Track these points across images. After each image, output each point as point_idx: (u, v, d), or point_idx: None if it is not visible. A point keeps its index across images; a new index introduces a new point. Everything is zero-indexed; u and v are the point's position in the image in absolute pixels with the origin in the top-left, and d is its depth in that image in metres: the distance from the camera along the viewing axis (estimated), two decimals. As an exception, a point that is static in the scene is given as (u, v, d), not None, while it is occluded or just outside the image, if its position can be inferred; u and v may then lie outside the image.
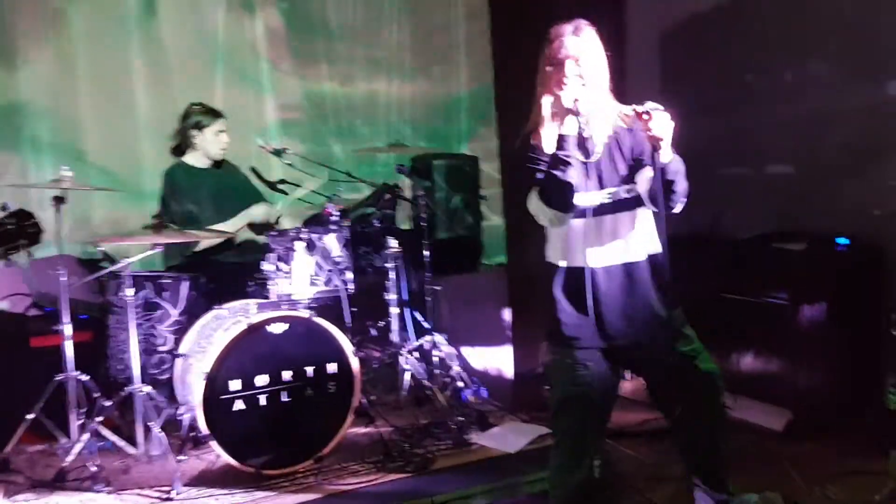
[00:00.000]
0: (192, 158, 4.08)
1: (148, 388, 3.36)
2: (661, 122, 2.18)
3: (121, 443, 3.42)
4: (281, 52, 5.17)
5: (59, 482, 3.21)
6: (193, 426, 3.25)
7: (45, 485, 3.22)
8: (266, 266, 3.54)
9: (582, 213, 2.38)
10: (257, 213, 4.10)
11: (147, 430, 3.37)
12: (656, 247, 2.47)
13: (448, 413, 3.77)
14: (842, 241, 3.75)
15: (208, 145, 4.05)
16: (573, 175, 2.26)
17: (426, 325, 4.33)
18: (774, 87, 4.34)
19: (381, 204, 4.36)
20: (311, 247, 3.61)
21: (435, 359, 4.18)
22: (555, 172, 2.23)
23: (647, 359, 2.51)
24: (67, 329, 3.34)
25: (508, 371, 4.44)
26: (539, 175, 2.29)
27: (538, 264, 4.95)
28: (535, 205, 2.33)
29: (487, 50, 5.19)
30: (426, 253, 4.29)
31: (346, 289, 3.66)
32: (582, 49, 2.31)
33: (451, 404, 3.90)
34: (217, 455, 3.23)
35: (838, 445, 3.46)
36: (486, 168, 5.25)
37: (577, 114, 2.26)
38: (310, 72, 5.25)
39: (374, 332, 4.52)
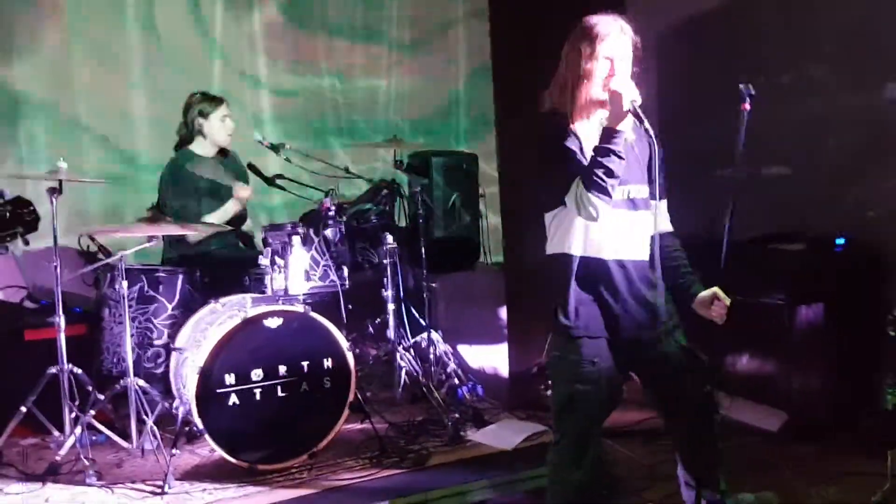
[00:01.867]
0: (199, 148, 4.07)
1: (142, 382, 3.35)
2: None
3: (114, 436, 3.40)
4: (279, 47, 5.16)
5: (51, 475, 3.20)
6: (187, 420, 3.24)
7: (37, 478, 3.21)
8: (262, 261, 3.52)
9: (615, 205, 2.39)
10: (239, 194, 4.05)
11: (140, 423, 3.35)
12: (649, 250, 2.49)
13: (444, 410, 3.76)
14: (840, 241, 3.75)
15: (215, 132, 4.04)
16: (619, 168, 2.28)
17: (422, 322, 4.32)
18: (772, 88, 4.34)
19: (379, 200, 4.35)
20: (307, 242, 3.59)
21: (431, 356, 4.17)
22: (605, 163, 2.25)
23: (653, 356, 2.49)
24: (62, 322, 3.32)
25: (504, 369, 4.42)
26: (583, 163, 2.31)
27: (535, 262, 4.94)
28: (575, 194, 2.31)
29: (487, 49, 5.17)
30: (423, 250, 4.27)
31: (343, 285, 3.65)
32: (628, 48, 2.39)
33: (446, 402, 3.89)
34: (211, 449, 3.22)
35: (834, 446, 3.45)
36: (484, 166, 5.24)
37: (634, 114, 2.30)
38: (308, 67, 5.24)
39: (370, 328, 4.51)
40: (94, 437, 3.39)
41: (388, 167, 4.67)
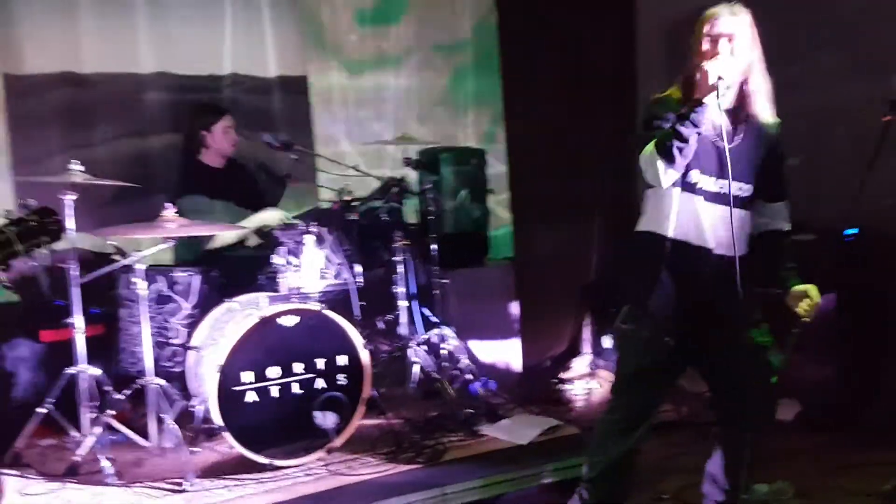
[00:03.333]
0: (207, 158, 4.10)
1: (160, 381, 3.38)
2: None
3: (133, 436, 3.43)
4: (288, 42, 5.16)
5: (71, 476, 3.22)
6: (206, 418, 3.27)
7: (57, 478, 3.23)
8: (276, 259, 3.55)
9: (696, 191, 2.40)
10: (268, 217, 4.09)
11: (160, 422, 3.38)
12: (743, 248, 2.48)
13: (457, 406, 3.78)
14: (849, 231, 3.76)
15: (219, 143, 4.08)
16: (694, 140, 2.29)
17: (434, 318, 4.34)
18: (781, 77, 4.34)
19: (389, 198, 4.37)
20: (320, 240, 3.62)
21: (443, 352, 4.19)
22: (678, 127, 2.27)
23: (719, 353, 2.49)
24: (79, 322, 3.35)
25: (517, 363, 4.45)
26: (663, 125, 2.34)
27: (546, 257, 4.96)
28: (647, 154, 2.34)
29: (496, 45, 5.18)
30: (434, 246, 4.29)
31: (356, 282, 3.67)
32: (735, 27, 2.37)
33: (459, 397, 3.91)
34: (230, 447, 3.25)
35: (847, 435, 3.47)
36: (493, 161, 5.25)
37: (716, 89, 2.28)
38: (317, 65, 5.25)
39: (381, 325, 4.54)
40: (112, 437, 3.41)
41: (397, 164, 4.68)
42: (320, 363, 3.37)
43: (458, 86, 5.66)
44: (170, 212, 3.34)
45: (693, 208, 2.40)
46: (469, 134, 5.69)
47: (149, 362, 3.35)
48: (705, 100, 2.28)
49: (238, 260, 3.99)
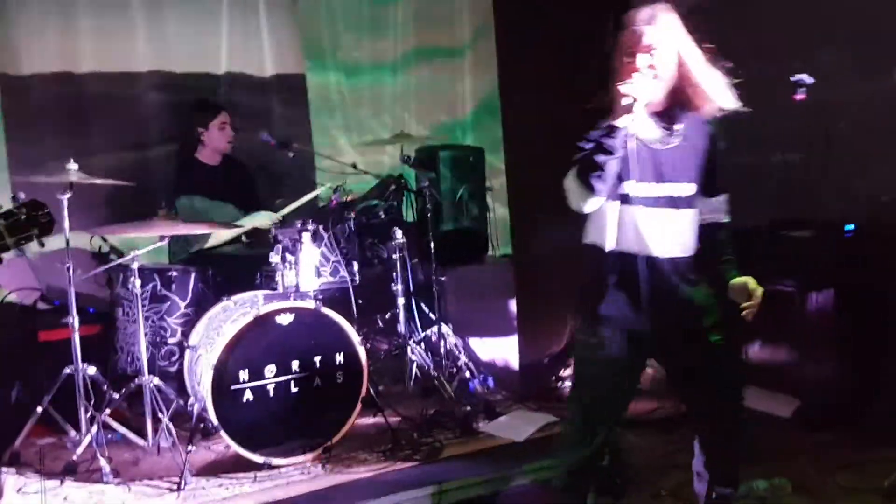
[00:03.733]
0: (203, 156, 4.11)
1: (156, 380, 3.38)
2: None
3: (130, 435, 3.43)
4: (285, 41, 5.16)
5: (68, 474, 3.23)
6: (202, 417, 3.27)
7: (55, 477, 3.24)
8: (273, 258, 3.54)
9: (633, 201, 2.35)
10: (260, 221, 4.08)
11: (156, 421, 3.38)
12: (691, 247, 2.45)
13: (455, 403, 3.78)
14: (849, 227, 3.74)
15: (215, 140, 4.08)
16: (612, 164, 2.25)
17: (432, 316, 4.34)
18: (781, 73, 4.33)
19: (387, 196, 4.36)
20: (316, 238, 3.61)
21: (441, 349, 4.19)
22: (595, 157, 2.23)
23: (681, 351, 2.47)
24: (76, 322, 3.35)
25: (514, 361, 4.44)
26: (583, 153, 2.29)
27: (544, 255, 4.94)
28: (569, 180, 2.32)
29: (492, 43, 5.17)
30: (431, 244, 4.29)
31: (353, 280, 3.67)
32: (656, 38, 2.28)
33: (457, 394, 3.91)
34: (226, 445, 3.25)
35: (846, 432, 3.45)
36: (491, 159, 5.24)
37: (630, 111, 2.23)
38: (315, 63, 5.24)
39: (380, 323, 4.53)
40: (110, 436, 3.42)
41: (395, 162, 4.67)
42: (317, 361, 3.36)
43: (456, 84, 5.66)
44: (164, 211, 3.34)
45: (632, 219, 2.35)
46: (467, 132, 5.70)
47: (145, 362, 3.35)
48: (620, 123, 2.23)
49: (234, 258, 3.99)
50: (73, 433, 3.46)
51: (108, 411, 3.34)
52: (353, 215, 4.01)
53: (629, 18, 2.33)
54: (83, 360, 3.36)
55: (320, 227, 3.64)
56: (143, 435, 3.42)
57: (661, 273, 2.38)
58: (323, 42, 5.26)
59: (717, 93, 2.34)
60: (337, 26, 5.28)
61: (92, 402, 3.40)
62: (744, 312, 2.39)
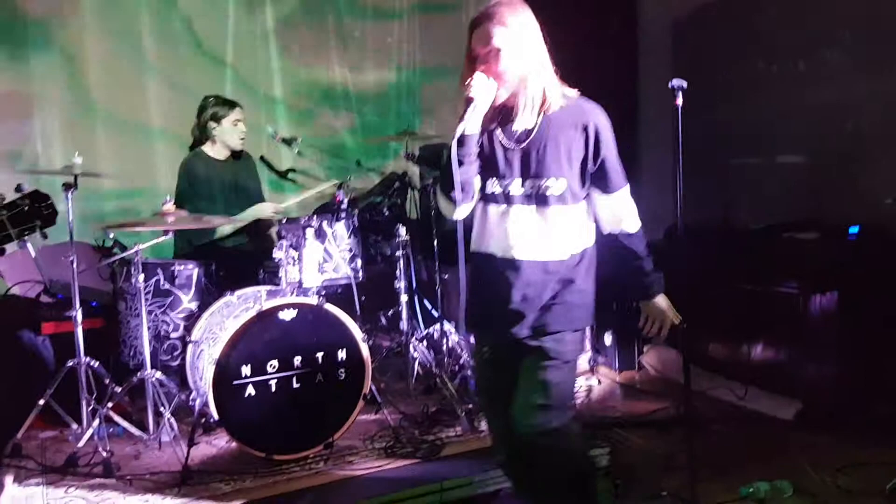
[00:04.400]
0: (212, 150, 4.11)
1: (159, 375, 3.38)
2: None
3: (132, 429, 3.44)
4: (291, 41, 5.17)
5: (69, 468, 3.23)
6: (204, 412, 3.27)
7: (55, 470, 3.24)
8: (276, 253, 3.54)
9: (497, 201, 2.27)
10: (264, 210, 4.09)
11: (158, 415, 3.39)
12: (580, 247, 2.32)
13: (457, 401, 3.77)
14: (854, 229, 3.73)
15: (227, 136, 4.09)
16: (470, 171, 2.22)
17: (435, 313, 4.33)
18: (787, 74, 4.32)
19: (391, 192, 4.36)
20: (320, 234, 3.61)
21: (444, 347, 4.19)
22: (451, 169, 2.17)
23: (518, 361, 2.32)
24: (79, 315, 3.36)
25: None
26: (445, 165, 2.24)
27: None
28: (437, 193, 2.33)
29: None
30: (435, 241, 4.28)
31: (356, 277, 3.67)
32: (501, 39, 2.18)
33: (459, 392, 3.90)
34: (228, 440, 3.25)
35: (848, 435, 3.45)
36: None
37: (471, 112, 2.16)
38: (320, 60, 5.25)
39: (383, 320, 4.53)
40: (111, 430, 3.42)
41: (399, 159, 4.68)
42: (320, 357, 3.36)
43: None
44: (169, 205, 3.34)
45: (497, 219, 2.27)
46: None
47: (148, 355, 3.35)
48: (467, 131, 2.17)
49: (238, 253, 3.99)
50: (74, 426, 3.47)
51: (109, 405, 3.35)
52: (356, 212, 4.00)
53: (475, 18, 2.24)
54: (85, 354, 3.37)
55: (324, 223, 3.64)
56: (144, 429, 3.43)
57: (523, 277, 2.27)
58: (329, 38, 5.27)
59: (556, 93, 2.24)
60: (342, 22, 5.29)
61: (94, 396, 3.41)
62: (644, 330, 2.36)
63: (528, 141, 2.25)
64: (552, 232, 2.27)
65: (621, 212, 2.35)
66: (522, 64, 2.20)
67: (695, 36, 4.96)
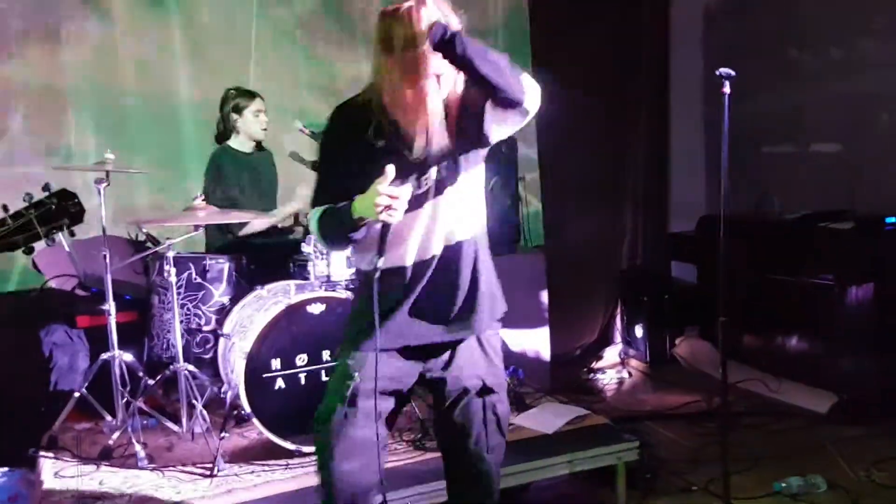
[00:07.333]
0: (237, 143, 4.14)
1: (191, 367, 3.42)
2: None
3: (165, 421, 3.49)
4: (316, 35, 5.18)
5: (104, 459, 3.28)
6: (235, 404, 3.30)
7: (91, 461, 3.29)
8: (305, 248, 3.57)
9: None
10: (296, 207, 4.12)
11: (190, 408, 3.43)
12: (481, 222, 2.26)
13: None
14: (890, 220, 3.66)
15: (249, 127, 4.11)
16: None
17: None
18: (823, 64, 4.24)
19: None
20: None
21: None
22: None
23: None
24: (112, 309, 3.41)
25: (545, 352, 4.42)
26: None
27: (577, 246, 4.90)
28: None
29: (527, 30, 5.13)
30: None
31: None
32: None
33: (488, 385, 3.89)
34: (259, 433, 3.28)
35: (884, 429, 3.39)
36: (524, 150, 5.21)
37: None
38: (346, 55, 5.25)
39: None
40: (145, 422, 3.47)
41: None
42: (348, 350, 3.37)
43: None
44: (199, 200, 3.38)
45: (397, 225, 2.07)
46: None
47: (180, 349, 3.40)
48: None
49: (268, 248, 4.02)
50: (109, 418, 3.53)
51: (143, 398, 3.40)
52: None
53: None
54: (119, 347, 3.42)
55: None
56: (177, 421, 3.48)
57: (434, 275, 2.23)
58: (356, 30, 5.27)
59: None
60: (368, 12, 5.28)
61: (128, 388, 3.46)
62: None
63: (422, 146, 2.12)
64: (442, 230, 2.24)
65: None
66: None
67: (728, 26, 4.88)
